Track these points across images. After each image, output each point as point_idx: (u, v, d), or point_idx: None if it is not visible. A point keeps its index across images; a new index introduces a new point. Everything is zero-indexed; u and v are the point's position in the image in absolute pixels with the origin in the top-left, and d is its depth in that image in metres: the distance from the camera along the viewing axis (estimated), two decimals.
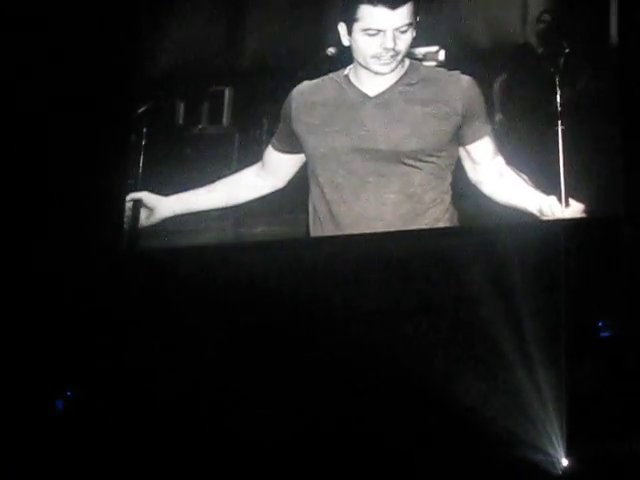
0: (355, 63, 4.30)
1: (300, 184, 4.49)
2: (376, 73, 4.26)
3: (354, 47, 4.24)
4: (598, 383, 4.17)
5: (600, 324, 4.27)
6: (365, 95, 4.31)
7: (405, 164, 4.27)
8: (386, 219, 4.32)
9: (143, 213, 4.67)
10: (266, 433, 4.39)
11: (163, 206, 4.63)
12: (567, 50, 4.31)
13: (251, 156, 4.59)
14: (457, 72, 4.31)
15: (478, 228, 4.42)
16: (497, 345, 4.26)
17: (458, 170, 4.32)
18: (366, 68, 4.26)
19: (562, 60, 4.31)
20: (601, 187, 4.25)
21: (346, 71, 4.35)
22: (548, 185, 4.25)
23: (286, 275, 4.53)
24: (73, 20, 4.90)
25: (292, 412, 4.41)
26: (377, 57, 4.21)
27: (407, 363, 4.33)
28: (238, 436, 4.44)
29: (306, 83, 4.43)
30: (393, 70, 4.26)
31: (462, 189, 4.33)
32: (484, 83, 4.33)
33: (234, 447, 4.44)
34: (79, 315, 4.72)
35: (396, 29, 4.16)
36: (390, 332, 4.40)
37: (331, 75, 4.39)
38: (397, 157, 4.27)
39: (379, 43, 4.18)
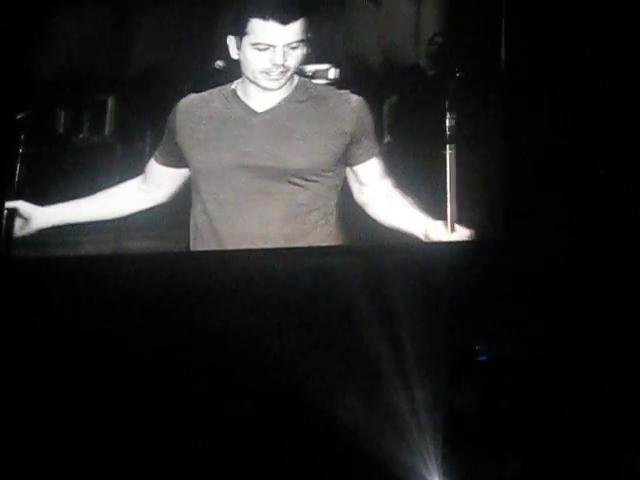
0: (243, 77, 4.25)
1: (182, 199, 4.43)
2: (264, 89, 4.22)
3: (243, 61, 4.20)
4: (474, 406, 4.23)
5: (477, 348, 4.31)
6: (252, 111, 4.26)
7: (291, 183, 4.24)
8: (270, 238, 4.29)
9: (18, 222, 4.57)
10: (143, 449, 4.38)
11: (40, 216, 4.53)
12: (457, 74, 4.34)
13: (134, 168, 4.52)
14: (347, 91, 4.29)
15: (360, 248, 4.41)
16: (375, 366, 4.27)
17: (344, 191, 4.32)
18: (254, 83, 4.22)
19: (452, 84, 4.34)
20: (486, 212, 4.29)
21: (233, 85, 4.29)
22: (435, 209, 4.26)
23: (165, 290, 4.48)
24: None
25: (167, 429, 4.38)
26: (266, 72, 4.17)
27: (284, 381, 4.32)
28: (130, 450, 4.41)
29: (192, 96, 4.37)
30: (282, 86, 4.22)
31: (348, 210, 4.32)
32: (374, 104, 4.33)
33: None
34: None
35: (287, 45, 4.12)
36: (268, 349, 4.39)
37: (219, 89, 4.33)
38: (283, 175, 4.24)
39: (269, 58, 4.14)
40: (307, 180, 4.24)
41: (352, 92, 4.29)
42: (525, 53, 4.40)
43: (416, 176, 4.31)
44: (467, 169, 4.30)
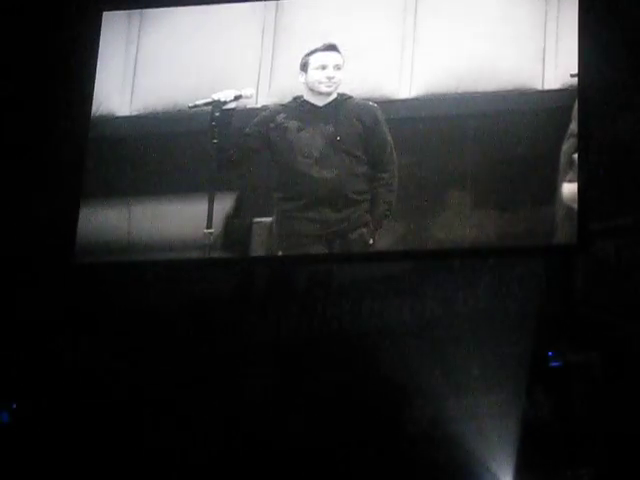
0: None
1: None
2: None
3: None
4: (548, 411, 4.28)
5: (550, 354, 4.36)
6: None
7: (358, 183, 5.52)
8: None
9: (85, 229, 4.93)
10: (196, 454, 4.60)
11: (105, 222, 4.96)
12: None
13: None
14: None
15: (429, 252, 4.41)
16: (450, 371, 4.41)
17: None
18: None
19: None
20: (560, 219, 4.27)
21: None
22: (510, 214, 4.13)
23: (237, 294, 4.78)
24: (34, 33, 5.21)
25: (237, 432, 4.59)
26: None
27: (343, 387, 4.43)
28: (177, 454, 4.67)
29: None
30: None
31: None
32: None
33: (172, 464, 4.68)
34: (24, 326, 4.84)
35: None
36: (346, 354, 4.56)
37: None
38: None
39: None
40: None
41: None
42: (600, 60, 4.45)
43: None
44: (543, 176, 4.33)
